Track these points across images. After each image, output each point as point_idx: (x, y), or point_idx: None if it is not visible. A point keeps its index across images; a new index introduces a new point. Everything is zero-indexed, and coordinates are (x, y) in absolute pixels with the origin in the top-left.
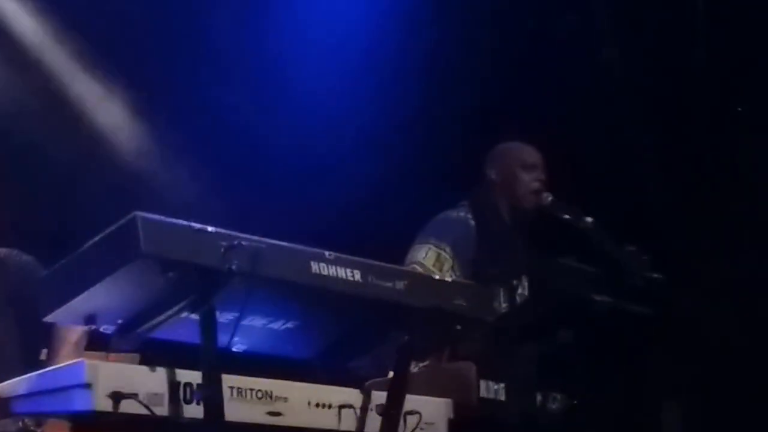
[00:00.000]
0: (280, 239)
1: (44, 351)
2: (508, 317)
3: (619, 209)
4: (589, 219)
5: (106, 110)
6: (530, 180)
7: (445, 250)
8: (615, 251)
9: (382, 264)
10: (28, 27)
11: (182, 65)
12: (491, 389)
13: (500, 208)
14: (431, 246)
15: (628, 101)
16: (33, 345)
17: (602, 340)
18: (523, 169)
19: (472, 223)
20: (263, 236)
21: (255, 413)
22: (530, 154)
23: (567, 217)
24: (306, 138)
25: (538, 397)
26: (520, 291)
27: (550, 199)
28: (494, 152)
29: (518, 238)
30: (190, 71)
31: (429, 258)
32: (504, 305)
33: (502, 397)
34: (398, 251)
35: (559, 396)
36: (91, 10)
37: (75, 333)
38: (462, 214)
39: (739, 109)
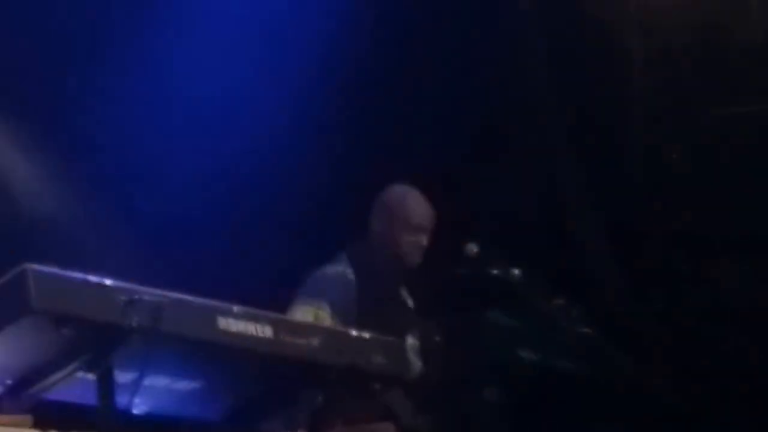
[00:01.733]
0: (184, 292)
1: None
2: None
3: (547, 260)
4: (516, 271)
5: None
6: (412, 242)
7: (323, 309)
8: (543, 305)
9: (296, 320)
10: None
11: (74, 97)
12: None
13: (381, 261)
14: (308, 306)
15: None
16: None
17: (529, 398)
18: (405, 230)
19: (352, 277)
20: (166, 289)
21: None
22: (418, 213)
23: (494, 271)
24: (206, 187)
25: None
26: (409, 347)
27: (475, 250)
28: (381, 200)
29: (403, 292)
30: (82, 106)
31: (306, 319)
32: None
33: None
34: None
35: None
36: None
37: None
38: (340, 268)
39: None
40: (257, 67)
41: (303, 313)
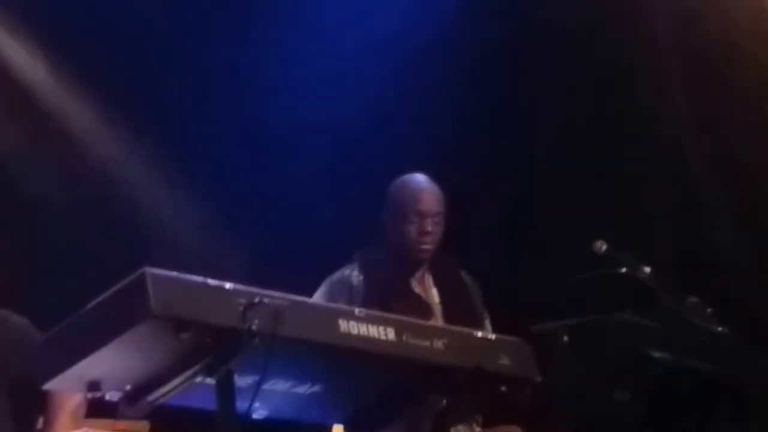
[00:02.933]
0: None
1: (40, 420)
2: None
3: (679, 256)
4: (647, 269)
5: (112, 151)
6: (415, 233)
7: None
8: (675, 303)
9: (418, 321)
10: (28, 64)
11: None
12: None
13: (387, 257)
14: None
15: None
16: (27, 414)
17: (662, 399)
18: (405, 218)
19: (359, 279)
20: (286, 292)
21: None
22: (418, 199)
23: (623, 270)
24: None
25: None
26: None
27: (604, 248)
28: (389, 191)
29: (428, 279)
30: (199, 111)
31: None
32: None
33: None
34: None
35: None
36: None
37: (72, 400)
38: (347, 272)
39: None
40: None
41: None
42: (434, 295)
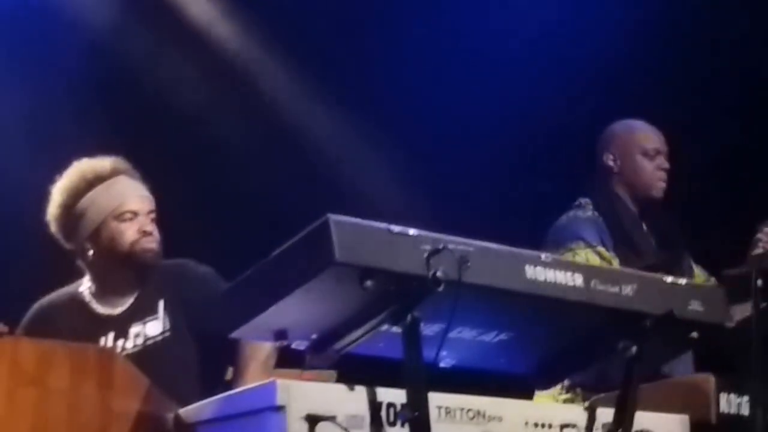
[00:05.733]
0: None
1: (230, 370)
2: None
3: None
4: None
5: (294, 100)
6: (653, 169)
7: (603, 249)
8: None
9: (607, 267)
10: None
11: (377, 57)
12: (733, 403)
13: (624, 197)
14: (586, 249)
15: None
16: (216, 364)
17: None
18: (644, 155)
19: (602, 220)
20: (469, 238)
21: None
22: (651, 138)
23: None
24: (509, 137)
25: None
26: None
27: None
28: (609, 135)
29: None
30: (384, 60)
31: (592, 262)
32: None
33: (746, 412)
34: None
35: None
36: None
37: (263, 350)
38: (588, 213)
39: None
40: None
41: (584, 257)
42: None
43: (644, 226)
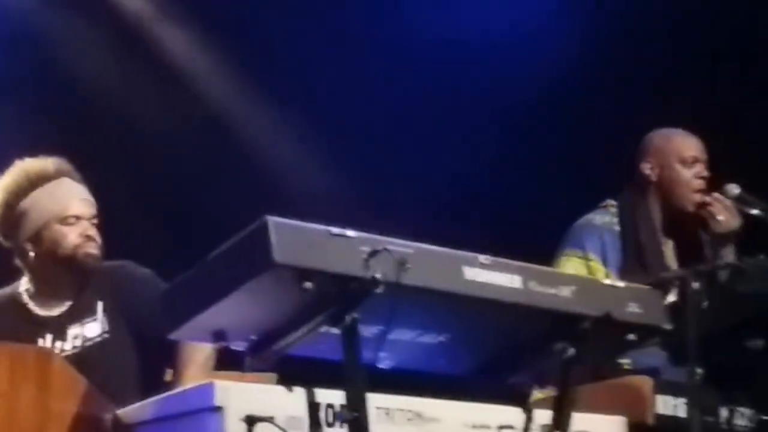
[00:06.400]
0: (426, 243)
1: (169, 372)
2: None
3: None
4: None
5: (233, 97)
6: (691, 177)
7: (594, 261)
8: None
9: (544, 268)
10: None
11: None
12: (669, 405)
13: (653, 209)
14: (579, 258)
15: None
16: (155, 366)
17: None
18: (682, 164)
19: (617, 228)
20: (408, 239)
21: None
22: (690, 146)
23: (757, 211)
24: (454, 135)
25: (723, 413)
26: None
27: (737, 191)
28: (647, 143)
29: (669, 244)
30: (328, 59)
31: (579, 273)
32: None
33: (683, 414)
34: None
35: (747, 412)
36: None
37: (202, 352)
38: (607, 218)
39: None
40: None
41: (574, 267)
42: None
43: (666, 241)
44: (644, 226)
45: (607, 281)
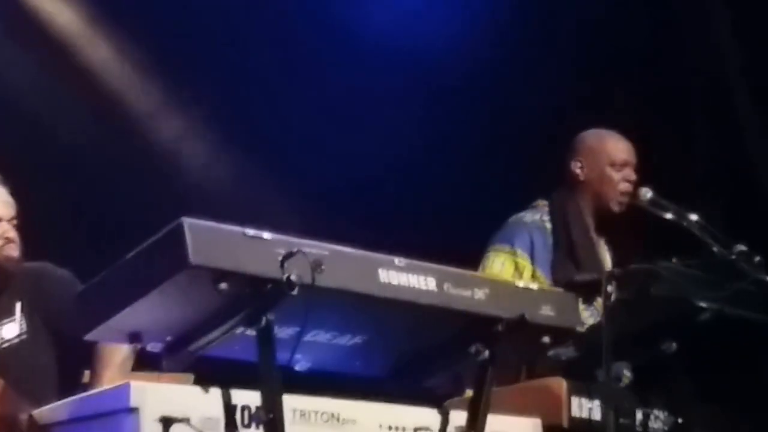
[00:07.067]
0: (344, 245)
1: (86, 373)
2: (600, 327)
3: (725, 203)
4: (693, 216)
5: (147, 99)
6: (619, 180)
7: (522, 258)
8: (723, 252)
9: (460, 270)
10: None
11: (235, 51)
12: (584, 407)
13: (583, 208)
14: (507, 254)
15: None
16: (73, 366)
17: (709, 350)
18: (612, 167)
19: (549, 226)
20: (324, 241)
21: None
22: (620, 149)
23: (669, 215)
24: (368, 136)
25: (638, 416)
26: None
27: (649, 195)
28: (578, 144)
29: (601, 241)
30: (246, 53)
31: (506, 268)
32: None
33: (598, 417)
34: (468, 260)
35: (661, 414)
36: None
37: (120, 353)
38: (537, 216)
39: None
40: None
41: (502, 261)
42: (607, 259)
43: (598, 239)
44: (576, 224)
45: (522, 284)
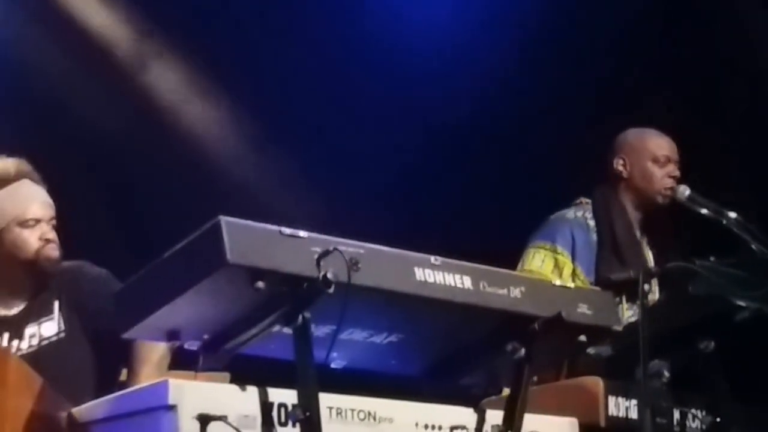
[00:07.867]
0: (379, 243)
1: (123, 371)
2: (638, 326)
3: (764, 201)
4: (732, 214)
5: (187, 101)
6: (663, 176)
7: (563, 255)
8: (762, 250)
9: (495, 269)
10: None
11: (271, 56)
12: (621, 407)
13: (626, 206)
14: (547, 251)
15: None
16: (111, 365)
17: (748, 350)
18: (654, 163)
19: (591, 223)
20: (360, 240)
21: None
22: (662, 145)
23: (707, 212)
24: (407, 134)
25: (676, 415)
26: (651, 297)
27: (687, 192)
28: (620, 142)
29: (644, 239)
30: (278, 60)
31: (546, 264)
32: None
33: (634, 416)
34: (510, 257)
35: (699, 413)
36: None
37: (157, 351)
38: (580, 213)
39: None
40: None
41: (542, 258)
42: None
43: (642, 237)
44: (620, 222)
45: (559, 282)
